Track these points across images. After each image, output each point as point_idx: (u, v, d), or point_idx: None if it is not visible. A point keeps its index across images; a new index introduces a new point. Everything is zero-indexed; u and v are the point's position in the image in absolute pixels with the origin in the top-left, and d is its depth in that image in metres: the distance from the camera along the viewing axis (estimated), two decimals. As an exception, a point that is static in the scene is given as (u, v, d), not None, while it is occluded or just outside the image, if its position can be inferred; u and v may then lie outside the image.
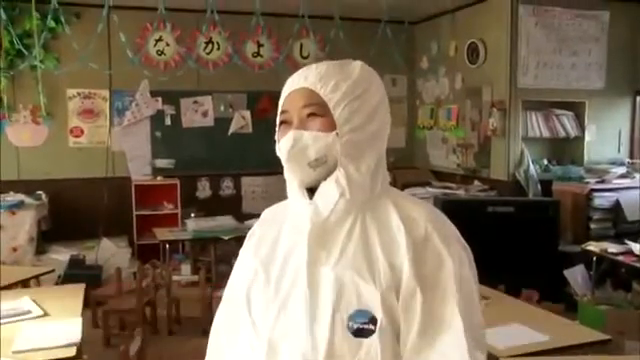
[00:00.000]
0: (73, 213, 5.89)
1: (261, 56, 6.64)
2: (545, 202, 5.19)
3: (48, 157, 6.02)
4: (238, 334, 1.13)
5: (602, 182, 5.31)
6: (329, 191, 1.06)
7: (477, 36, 5.95)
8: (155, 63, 6.29)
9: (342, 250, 1.05)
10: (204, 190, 6.65)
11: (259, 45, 6.63)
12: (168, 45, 6.33)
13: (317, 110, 1.05)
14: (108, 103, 6.22)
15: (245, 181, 6.75)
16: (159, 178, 6.32)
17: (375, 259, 1.03)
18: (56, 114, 6.08)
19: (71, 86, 6.08)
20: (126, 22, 5.70)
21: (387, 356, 1.00)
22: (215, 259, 5.40)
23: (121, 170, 6.27)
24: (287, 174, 1.10)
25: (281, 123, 1.10)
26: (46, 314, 2.73)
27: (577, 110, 5.84)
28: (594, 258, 4.57)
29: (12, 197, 5.54)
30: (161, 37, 6.30)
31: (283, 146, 1.07)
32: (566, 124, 5.79)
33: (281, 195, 1.19)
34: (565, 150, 5.91)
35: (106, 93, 6.20)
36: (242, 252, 1.22)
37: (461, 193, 5.71)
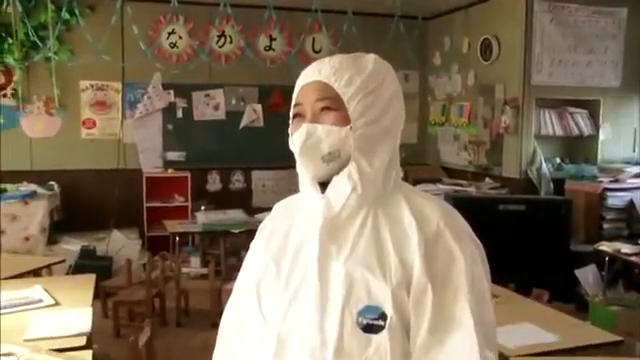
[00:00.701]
0: (84, 204, 5.93)
1: (273, 50, 6.63)
2: (557, 201, 5.14)
3: (61, 148, 6.06)
4: (247, 328, 1.13)
5: (616, 181, 5.25)
6: (341, 185, 1.05)
7: (491, 32, 5.90)
8: (167, 56, 6.30)
9: (353, 245, 1.04)
10: (214, 183, 6.67)
11: (271, 39, 6.62)
12: (181, 38, 6.34)
13: (331, 104, 1.05)
14: (120, 95, 6.25)
15: (255, 175, 6.76)
16: (170, 171, 6.34)
17: (386, 255, 1.02)
18: (69, 106, 6.11)
19: (84, 78, 6.11)
20: (139, 14, 5.72)
21: (396, 353, 0.99)
22: (225, 252, 5.42)
23: (132, 162, 6.29)
24: (300, 168, 1.10)
25: (295, 116, 1.09)
26: (57, 303, 2.75)
27: (591, 108, 5.77)
28: (606, 258, 4.53)
29: (25, 187, 5.60)
30: (174, 30, 6.31)
31: (296, 139, 1.06)
32: (580, 122, 5.73)
33: (292, 189, 1.18)
34: (578, 149, 5.84)
35: (119, 85, 6.22)
36: (253, 246, 1.22)
37: (472, 190, 5.68)
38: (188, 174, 6.25)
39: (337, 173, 1.06)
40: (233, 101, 6.60)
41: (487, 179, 5.93)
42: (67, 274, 4.76)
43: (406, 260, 1.01)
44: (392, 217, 1.06)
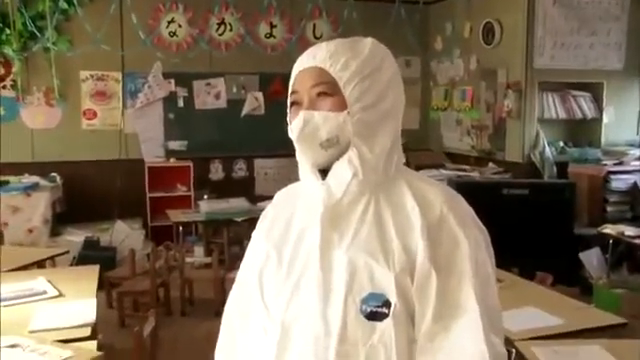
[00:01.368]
0: (87, 195, 5.93)
1: (274, 37, 6.59)
2: (561, 184, 5.12)
3: (62, 139, 6.05)
4: (250, 317, 1.13)
5: (620, 164, 5.22)
6: (342, 172, 1.04)
7: (493, 16, 5.84)
8: (167, 45, 6.27)
9: (355, 232, 1.03)
10: (217, 172, 6.66)
11: (272, 26, 6.57)
12: (180, 26, 6.29)
13: (327, 89, 1.03)
14: (121, 85, 6.22)
15: (258, 163, 6.75)
16: (172, 160, 6.33)
17: (389, 241, 1.01)
18: (69, 96, 6.09)
19: (84, 68, 6.08)
20: (138, 3, 5.68)
21: (401, 341, 0.99)
22: (228, 241, 5.42)
23: (134, 152, 6.29)
24: (299, 155, 1.08)
25: (292, 104, 1.08)
26: (61, 294, 2.76)
27: (595, 91, 5.72)
28: (610, 241, 4.52)
29: (27, 179, 5.60)
30: (173, 19, 6.27)
31: (295, 127, 1.05)
32: (583, 105, 5.69)
33: (294, 177, 1.17)
34: (582, 132, 5.81)
35: (119, 75, 6.20)
36: (254, 235, 1.21)
37: (475, 175, 5.66)
38: (190, 163, 6.24)
39: (337, 159, 1.05)
40: (234, 89, 6.57)
41: (490, 164, 5.91)
42: (71, 265, 4.77)
43: (409, 246, 1.00)
44: (394, 203, 1.04)
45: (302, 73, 1.06)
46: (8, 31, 5.59)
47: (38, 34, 5.50)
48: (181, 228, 5.33)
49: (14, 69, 5.84)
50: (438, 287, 0.98)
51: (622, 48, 5.68)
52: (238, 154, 6.68)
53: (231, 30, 6.44)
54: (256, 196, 6.19)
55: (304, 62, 1.06)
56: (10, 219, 5.25)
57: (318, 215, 1.05)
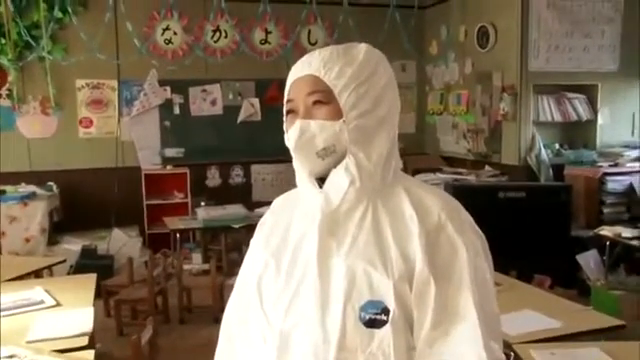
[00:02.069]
0: (84, 203, 5.92)
1: (269, 43, 6.60)
2: (557, 187, 5.13)
3: (58, 148, 6.04)
4: (249, 325, 1.13)
5: (615, 166, 5.24)
6: (339, 179, 1.04)
7: (487, 20, 5.87)
8: (163, 52, 6.27)
9: (353, 240, 1.03)
10: (214, 179, 6.66)
11: (267, 32, 6.58)
12: (175, 34, 6.30)
13: (322, 97, 1.03)
14: (117, 93, 6.22)
15: (255, 169, 6.75)
16: (169, 167, 6.33)
17: (387, 249, 1.01)
18: (65, 105, 6.08)
19: (79, 77, 6.08)
20: (133, 11, 5.69)
21: (400, 348, 0.98)
22: (226, 248, 5.41)
23: (131, 160, 6.28)
24: (296, 164, 1.08)
25: (288, 112, 1.08)
26: (58, 304, 2.75)
27: (590, 93, 5.74)
28: (607, 243, 4.52)
29: (24, 188, 5.58)
30: (168, 26, 6.27)
31: (291, 136, 1.05)
32: (578, 107, 5.71)
33: (291, 183, 1.17)
34: (577, 134, 5.83)
35: (114, 83, 6.20)
36: (253, 242, 1.21)
37: (472, 179, 5.67)
38: (187, 170, 6.23)
39: (334, 167, 1.05)
40: (230, 96, 6.58)
41: (486, 167, 5.92)
42: (68, 274, 4.76)
43: (407, 253, 1.00)
44: (392, 210, 1.04)
45: (297, 81, 1.06)
46: (3, 40, 5.58)
47: (33, 43, 5.51)
48: (178, 235, 5.32)
49: (10, 78, 5.84)
50: (437, 294, 0.98)
51: (616, 50, 5.71)
52: (235, 160, 6.68)
53: (226, 37, 6.45)
54: (253, 202, 6.19)
55: (299, 70, 1.06)
56: (7, 228, 5.23)
57: (316, 223, 1.05)
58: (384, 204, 1.05)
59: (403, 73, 7.00)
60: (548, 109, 5.64)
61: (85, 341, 2.29)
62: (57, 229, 5.69)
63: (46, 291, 2.89)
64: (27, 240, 5.29)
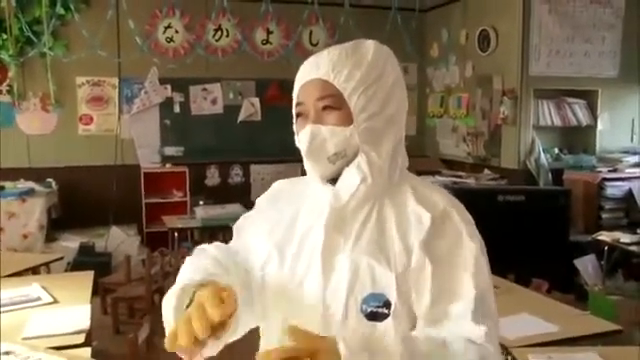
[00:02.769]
0: (83, 201, 5.91)
1: (270, 43, 6.60)
2: (556, 191, 5.14)
3: (58, 145, 6.03)
4: (228, 248, 1.14)
5: (614, 171, 5.25)
6: (350, 177, 1.05)
7: (488, 23, 5.87)
8: (164, 50, 6.27)
9: (358, 235, 1.04)
10: (213, 178, 6.66)
11: (268, 32, 6.58)
12: (177, 32, 6.30)
13: (332, 102, 1.03)
14: (117, 91, 6.22)
15: (254, 169, 6.74)
16: (168, 166, 6.32)
17: (391, 243, 1.02)
18: (65, 102, 6.08)
19: (80, 74, 6.07)
20: (135, 9, 5.68)
21: (401, 342, 0.99)
22: (224, 247, 5.40)
23: (130, 158, 6.27)
24: (307, 167, 1.09)
25: (298, 115, 1.08)
26: (55, 301, 2.74)
27: (590, 98, 5.75)
28: (605, 248, 4.53)
29: (23, 184, 5.58)
30: (170, 24, 6.27)
31: (302, 140, 1.06)
32: (578, 112, 5.71)
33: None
34: (577, 139, 5.83)
35: (115, 81, 6.19)
36: (259, 202, 1.23)
37: (471, 182, 5.67)
38: (186, 169, 6.23)
39: (346, 167, 1.06)
40: (231, 95, 6.57)
41: (486, 170, 5.92)
42: (66, 271, 4.75)
43: (410, 246, 1.01)
44: (398, 207, 1.06)
45: (306, 85, 1.06)
46: (4, 36, 5.58)
47: (34, 39, 5.50)
48: (177, 234, 5.30)
49: (10, 74, 5.83)
50: (435, 275, 0.99)
51: (617, 56, 5.72)
52: (234, 160, 6.68)
53: (228, 36, 6.44)
54: (252, 202, 6.11)
55: (307, 73, 1.06)
56: (5, 224, 5.22)
57: (323, 217, 1.06)
58: (390, 203, 1.06)
59: (404, 75, 6.88)
60: (548, 113, 5.65)
61: (81, 339, 2.28)
62: (55, 226, 5.68)
63: (43, 288, 2.88)
64: (25, 236, 5.28)
